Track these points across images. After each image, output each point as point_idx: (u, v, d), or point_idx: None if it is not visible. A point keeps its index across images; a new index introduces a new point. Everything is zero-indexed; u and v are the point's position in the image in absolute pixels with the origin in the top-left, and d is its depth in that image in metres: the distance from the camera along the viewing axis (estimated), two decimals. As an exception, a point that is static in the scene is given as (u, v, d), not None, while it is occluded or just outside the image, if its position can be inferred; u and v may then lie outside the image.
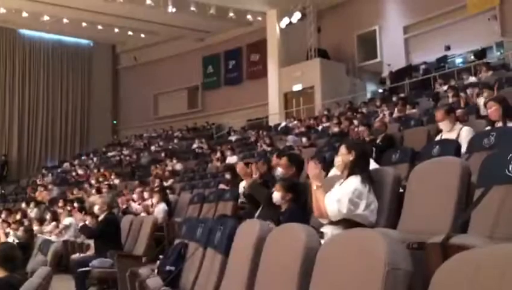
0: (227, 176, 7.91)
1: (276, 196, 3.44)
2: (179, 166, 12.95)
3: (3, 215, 9.77)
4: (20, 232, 7.98)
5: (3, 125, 20.36)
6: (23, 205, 11.49)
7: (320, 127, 12.04)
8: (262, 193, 4.14)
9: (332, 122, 11.20)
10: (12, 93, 20.64)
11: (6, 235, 7.82)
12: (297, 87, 17.13)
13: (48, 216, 8.50)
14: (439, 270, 1.14)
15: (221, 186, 7.71)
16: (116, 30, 20.07)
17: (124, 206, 8.42)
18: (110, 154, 18.58)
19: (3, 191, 16.25)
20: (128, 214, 7.37)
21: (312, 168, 2.90)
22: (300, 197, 3.39)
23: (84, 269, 5.47)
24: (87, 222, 5.98)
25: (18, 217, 9.40)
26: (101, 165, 16.61)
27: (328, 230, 2.78)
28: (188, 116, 21.60)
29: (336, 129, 10.08)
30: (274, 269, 2.00)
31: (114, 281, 5.18)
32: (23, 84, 20.71)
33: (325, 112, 13.80)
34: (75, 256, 5.97)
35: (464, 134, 4.46)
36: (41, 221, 8.51)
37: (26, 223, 8.79)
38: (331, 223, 2.81)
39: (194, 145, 16.08)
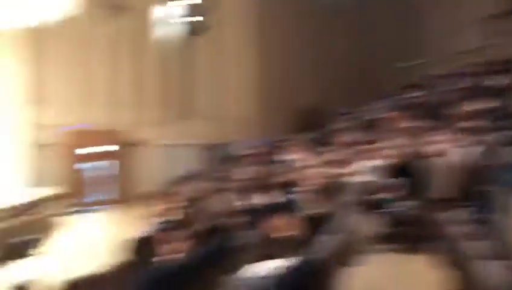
0: None
1: None
2: (479, 106, 11.74)
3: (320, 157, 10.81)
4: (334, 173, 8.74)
5: (315, 78, 22.47)
6: (330, 148, 12.53)
7: None
8: None
9: None
10: (320, 49, 22.36)
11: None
12: None
13: (346, 158, 9.05)
14: None
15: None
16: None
17: (424, 149, 8.22)
18: (403, 96, 18.39)
19: (313, 137, 18.12)
20: (428, 157, 7.16)
21: None
22: None
23: (388, 210, 5.67)
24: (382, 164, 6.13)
25: (327, 159, 10.31)
26: (394, 108, 16.63)
27: None
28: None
29: None
30: None
31: (421, 224, 5.21)
32: (327, 37, 22.03)
33: None
34: (377, 196, 6.21)
35: None
36: (341, 163, 9.14)
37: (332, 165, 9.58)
38: None
39: (491, 82, 14.29)
